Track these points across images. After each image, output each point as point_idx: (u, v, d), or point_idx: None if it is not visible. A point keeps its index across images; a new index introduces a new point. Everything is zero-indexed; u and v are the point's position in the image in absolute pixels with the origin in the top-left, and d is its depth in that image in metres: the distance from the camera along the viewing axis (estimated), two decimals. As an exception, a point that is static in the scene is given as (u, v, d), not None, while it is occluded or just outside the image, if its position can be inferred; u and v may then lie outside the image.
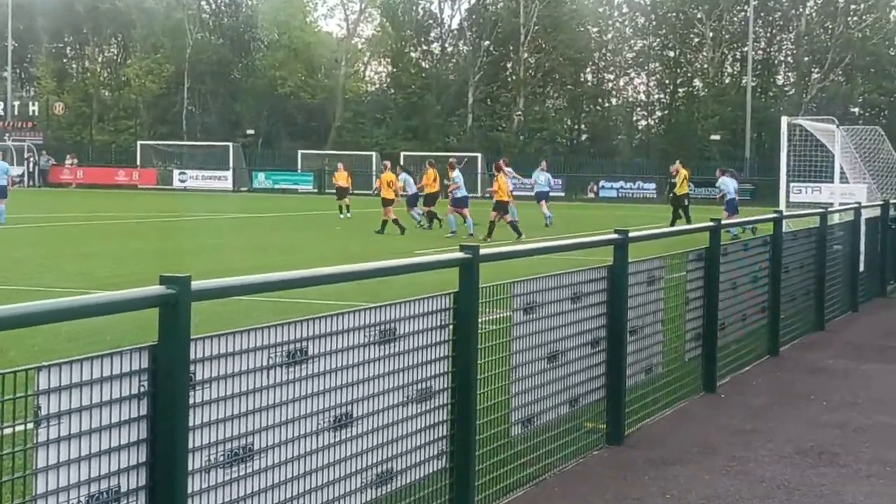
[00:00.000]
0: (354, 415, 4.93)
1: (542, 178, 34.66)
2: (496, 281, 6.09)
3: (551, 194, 36.49)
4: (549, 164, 37.77)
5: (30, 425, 3.49)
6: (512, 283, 6.31)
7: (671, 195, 34.49)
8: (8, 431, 3.47)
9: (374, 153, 65.73)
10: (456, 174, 30.09)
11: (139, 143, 73.06)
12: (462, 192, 29.60)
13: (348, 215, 35.57)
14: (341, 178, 37.37)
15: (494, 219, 27.92)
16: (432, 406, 5.49)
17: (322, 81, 79.98)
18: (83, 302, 3.75)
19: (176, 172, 68.75)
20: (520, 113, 73.26)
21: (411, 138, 72.64)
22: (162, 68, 78.53)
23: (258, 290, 4.74)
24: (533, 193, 34.89)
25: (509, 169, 30.99)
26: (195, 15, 79.53)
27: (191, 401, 3.96)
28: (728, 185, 29.96)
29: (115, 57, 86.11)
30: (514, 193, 29.98)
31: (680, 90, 75.47)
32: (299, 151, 69.51)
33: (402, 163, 44.60)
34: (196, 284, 3.93)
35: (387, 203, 30.02)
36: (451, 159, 33.70)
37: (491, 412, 6.09)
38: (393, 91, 78.23)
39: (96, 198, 52.43)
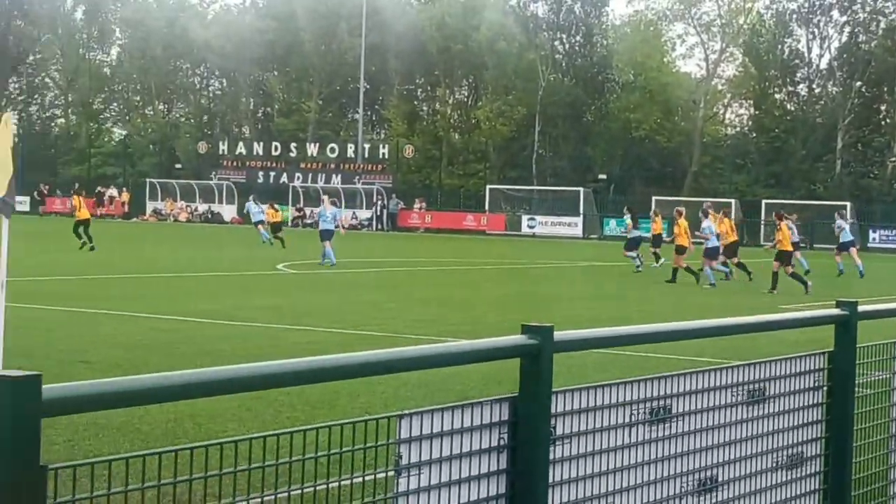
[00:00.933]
0: (720, 479, 4.66)
1: (846, 227, 35.60)
2: (868, 340, 5.62)
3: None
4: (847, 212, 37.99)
5: (390, 473, 3.46)
6: (894, 344, 5.83)
7: None
8: (370, 478, 3.47)
9: (733, 200, 62.53)
10: (706, 224, 29.26)
11: (488, 187, 72.65)
12: (714, 243, 28.89)
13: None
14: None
15: (777, 269, 27.19)
16: (803, 474, 5.13)
17: (679, 124, 78.26)
18: (443, 350, 3.75)
19: (525, 218, 68.57)
20: (894, 159, 69.03)
21: (773, 185, 69.98)
22: (513, 111, 77.48)
23: (623, 342, 4.60)
24: (837, 244, 34.98)
25: (789, 222, 29.45)
26: (548, 56, 78.15)
27: (550, 456, 3.84)
28: None
29: (465, 99, 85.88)
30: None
31: None
32: (653, 197, 66.59)
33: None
34: (559, 335, 3.82)
35: (680, 251, 29.52)
36: (704, 204, 32.70)
37: (867, 483, 5.62)
38: (755, 135, 75.68)
39: (444, 243, 53.61)
